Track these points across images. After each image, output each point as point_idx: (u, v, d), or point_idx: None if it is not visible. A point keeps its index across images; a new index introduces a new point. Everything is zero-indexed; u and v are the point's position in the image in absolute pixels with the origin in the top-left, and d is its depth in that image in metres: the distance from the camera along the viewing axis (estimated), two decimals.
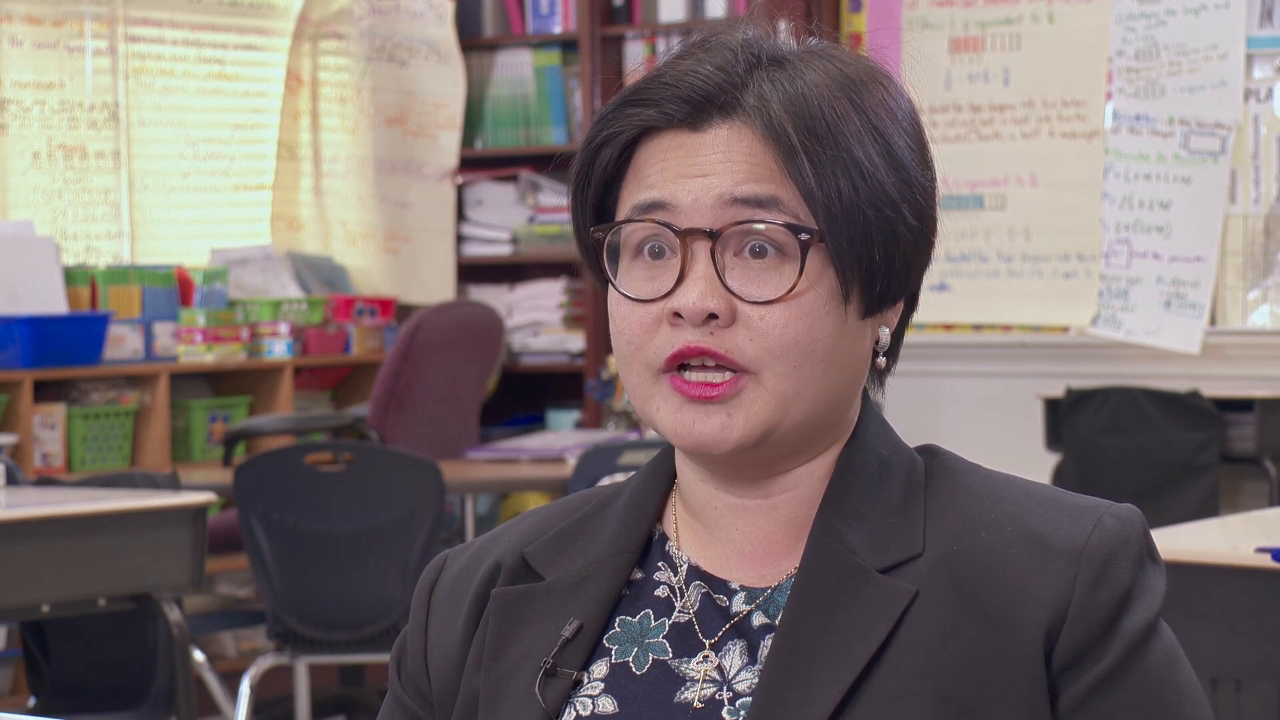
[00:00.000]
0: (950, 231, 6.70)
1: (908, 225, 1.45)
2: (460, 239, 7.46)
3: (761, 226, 1.42)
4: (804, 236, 1.42)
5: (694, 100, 1.44)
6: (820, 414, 1.45)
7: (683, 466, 1.51)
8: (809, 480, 1.48)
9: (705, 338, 1.42)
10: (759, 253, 1.43)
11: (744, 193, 1.43)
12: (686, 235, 1.43)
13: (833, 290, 1.43)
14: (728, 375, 1.42)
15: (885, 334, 1.49)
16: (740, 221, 1.42)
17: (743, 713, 1.43)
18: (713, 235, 1.42)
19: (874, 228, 1.43)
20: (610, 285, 1.46)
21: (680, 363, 1.43)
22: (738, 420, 1.42)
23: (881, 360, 1.49)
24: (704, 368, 1.43)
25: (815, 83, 1.44)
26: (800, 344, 1.42)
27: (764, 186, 1.43)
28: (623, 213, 1.47)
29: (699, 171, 1.43)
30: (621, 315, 1.46)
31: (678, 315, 1.42)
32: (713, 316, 1.42)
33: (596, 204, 1.49)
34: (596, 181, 1.48)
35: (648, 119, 1.45)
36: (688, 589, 1.49)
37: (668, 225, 1.43)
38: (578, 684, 1.47)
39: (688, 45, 1.48)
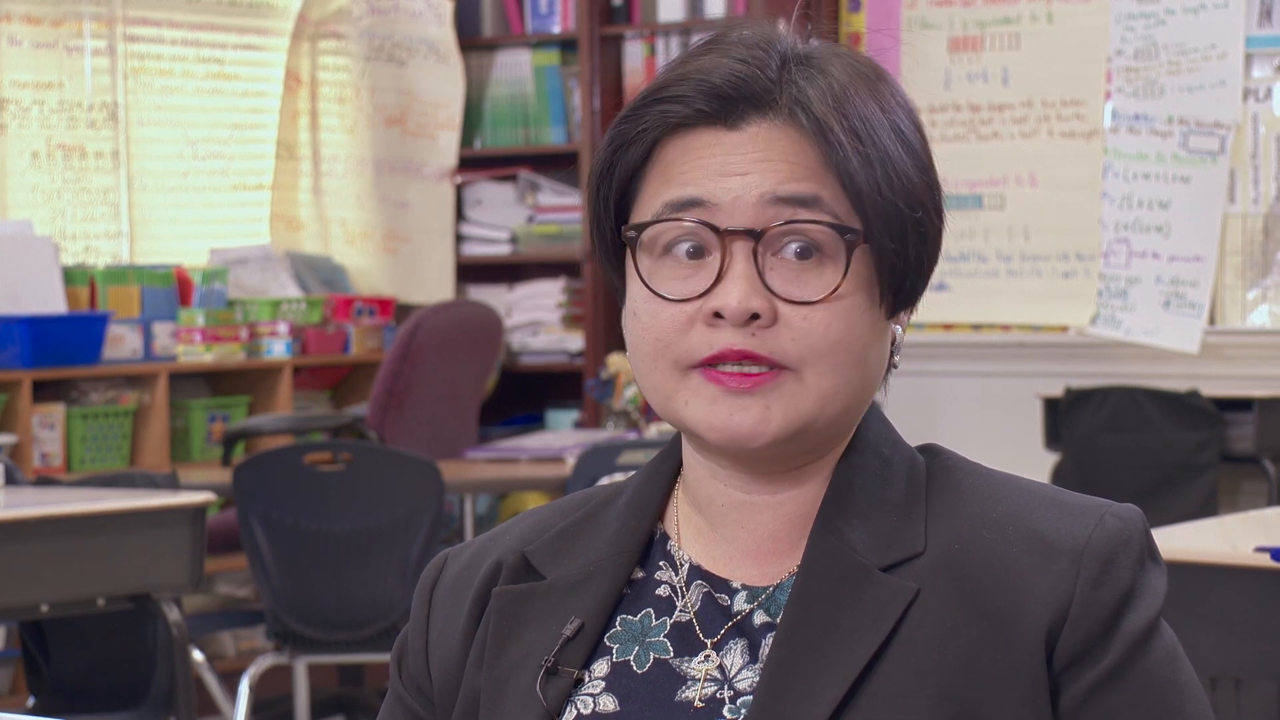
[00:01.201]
0: (949, 231, 6.62)
1: (933, 223, 1.45)
2: (459, 239, 7.46)
3: (806, 226, 1.41)
4: (849, 236, 1.41)
5: (726, 96, 1.42)
6: (850, 412, 1.45)
7: (691, 463, 1.50)
8: (814, 478, 1.47)
9: (746, 339, 1.41)
10: (803, 254, 1.41)
11: (787, 192, 1.41)
12: (728, 235, 1.41)
13: (871, 290, 1.43)
14: (766, 369, 1.41)
15: (899, 333, 1.49)
16: (785, 221, 1.41)
17: (743, 711, 1.42)
18: (756, 235, 1.41)
19: (909, 225, 1.43)
20: (641, 283, 1.44)
21: (717, 362, 1.42)
22: (776, 413, 1.42)
23: (897, 359, 1.49)
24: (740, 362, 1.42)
25: (844, 80, 1.43)
26: (842, 344, 1.42)
27: (806, 185, 1.42)
28: (647, 210, 1.45)
29: (738, 170, 1.42)
30: (650, 313, 1.44)
31: (717, 315, 1.41)
32: (755, 317, 1.41)
33: (618, 201, 1.47)
34: (619, 179, 1.46)
35: (679, 115, 1.43)
36: (689, 588, 1.49)
37: (708, 225, 1.42)
38: (579, 683, 1.47)
39: (704, 43, 1.46)
